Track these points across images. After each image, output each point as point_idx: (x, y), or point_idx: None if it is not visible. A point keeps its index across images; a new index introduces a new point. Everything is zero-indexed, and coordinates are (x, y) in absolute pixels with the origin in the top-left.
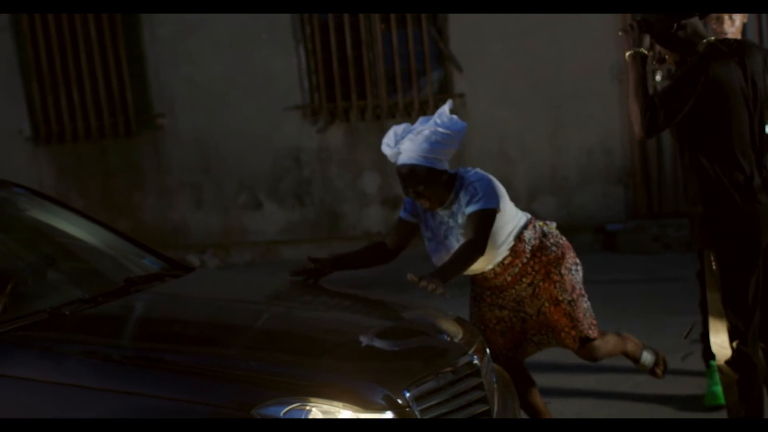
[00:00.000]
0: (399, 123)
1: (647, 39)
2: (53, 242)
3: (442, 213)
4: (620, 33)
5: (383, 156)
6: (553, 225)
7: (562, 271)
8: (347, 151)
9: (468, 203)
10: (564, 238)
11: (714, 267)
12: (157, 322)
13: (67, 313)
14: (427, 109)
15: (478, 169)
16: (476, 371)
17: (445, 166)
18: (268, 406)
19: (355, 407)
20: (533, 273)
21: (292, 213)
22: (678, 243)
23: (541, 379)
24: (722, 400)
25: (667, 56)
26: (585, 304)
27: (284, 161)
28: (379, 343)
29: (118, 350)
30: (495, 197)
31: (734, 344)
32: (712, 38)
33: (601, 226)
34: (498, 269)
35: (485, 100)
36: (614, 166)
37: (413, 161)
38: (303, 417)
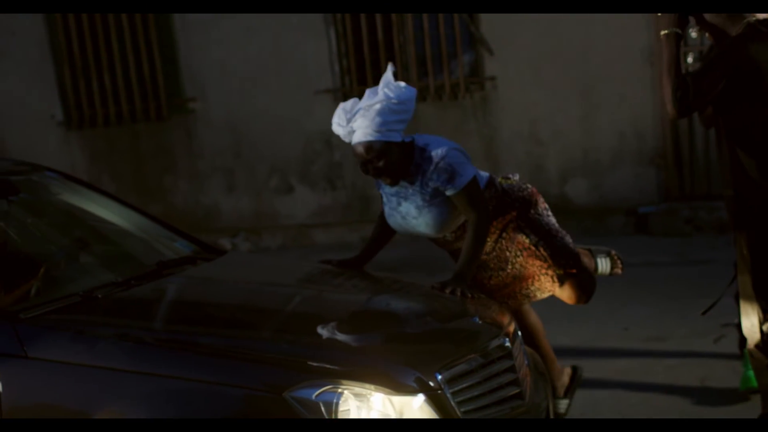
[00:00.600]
0: (429, 106)
1: (681, 19)
2: (86, 226)
3: (401, 187)
4: (658, 14)
5: None
6: (516, 177)
7: (529, 216)
8: None
9: (447, 183)
10: (529, 187)
11: (744, 251)
12: (189, 305)
13: (99, 296)
14: (458, 92)
15: (434, 138)
16: (508, 354)
17: (401, 137)
18: (301, 389)
19: (387, 390)
20: (496, 232)
21: (323, 196)
22: (710, 225)
23: (572, 362)
24: (755, 383)
25: (708, 36)
26: (559, 242)
27: (315, 145)
28: (410, 326)
29: (151, 333)
30: (467, 165)
31: (764, 327)
32: (753, 19)
33: (633, 208)
34: (458, 232)
35: (516, 82)
36: (646, 148)
37: (369, 137)
38: (335, 399)
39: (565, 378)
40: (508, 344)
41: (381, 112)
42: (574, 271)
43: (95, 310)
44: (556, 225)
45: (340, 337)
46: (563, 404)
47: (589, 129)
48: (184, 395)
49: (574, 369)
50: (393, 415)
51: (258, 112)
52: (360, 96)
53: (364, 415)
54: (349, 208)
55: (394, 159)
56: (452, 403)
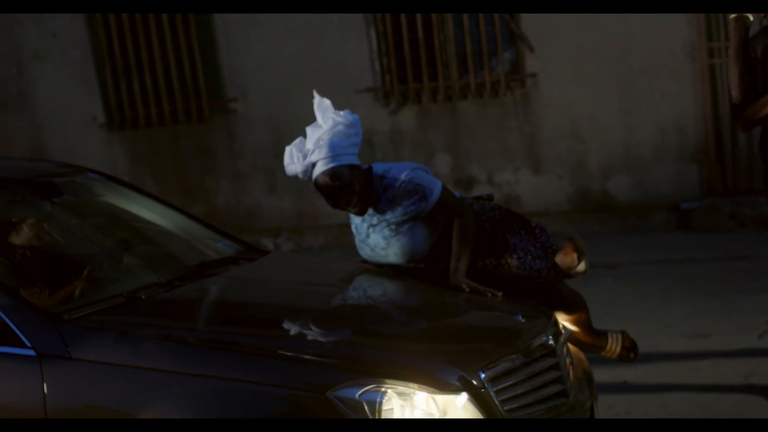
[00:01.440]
0: (470, 104)
1: None
2: (129, 227)
3: (368, 217)
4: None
5: (455, 137)
6: (489, 195)
7: (497, 241)
8: (419, 132)
9: (421, 202)
10: (502, 209)
11: None
12: (232, 306)
13: (143, 297)
14: (499, 89)
15: (391, 165)
16: (552, 351)
17: (357, 160)
18: (344, 388)
19: (430, 388)
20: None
21: None
22: (753, 221)
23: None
24: None
25: None
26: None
27: None
28: (453, 324)
29: (194, 333)
30: (433, 179)
31: None
32: None
33: (676, 204)
34: (429, 261)
35: (557, 79)
36: (688, 143)
37: (332, 164)
38: (378, 399)
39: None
40: (551, 342)
41: (336, 138)
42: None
43: (139, 311)
44: (548, 243)
45: (383, 336)
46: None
47: (631, 125)
48: (228, 395)
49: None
50: (436, 415)
51: (299, 112)
52: (399, 95)
53: (407, 415)
54: None
55: (359, 183)
56: (496, 401)
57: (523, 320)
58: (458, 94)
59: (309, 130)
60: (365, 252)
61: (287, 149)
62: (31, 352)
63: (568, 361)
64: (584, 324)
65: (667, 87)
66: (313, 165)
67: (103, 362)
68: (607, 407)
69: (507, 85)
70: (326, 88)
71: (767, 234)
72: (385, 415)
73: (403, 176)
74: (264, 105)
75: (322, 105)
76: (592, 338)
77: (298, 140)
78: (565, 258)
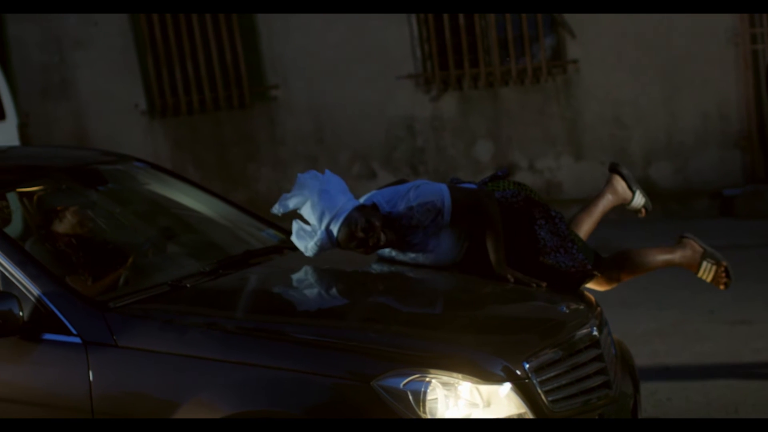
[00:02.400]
0: (511, 91)
1: None
2: (173, 215)
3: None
4: None
5: (496, 123)
6: (504, 172)
7: (524, 230)
8: (460, 119)
9: (437, 216)
10: (522, 194)
11: None
12: (276, 295)
13: (188, 285)
14: (540, 75)
15: (385, 195)
16: (596, 343)
17: (352, 197)
18: (389, 378)
19: (475, 379)
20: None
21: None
22: None
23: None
24: None
25: None
26: (551, 260)
27: (398, 130)
28: (497, 315)
29: (239, 322)
30: (433, 188)
31: None
32: None
33: (718, 191)
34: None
35: (599, 65)
36: (731, 130)
37: (341, 217)
38: (423, 388)
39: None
40: (595, 333)
41: (325, 198)
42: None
43: (184, 300)
44: (552, 240)
45: (427, 326)
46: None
47: (673, 111)
48: (273, 384)
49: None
50: (480, 405)
51: (340, 99)
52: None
53: (451, 405)
54: None
55: (377, 217)
56: (539, 392)
57: (567, 311)
58: (499, 80)
59: (304, 212)
60: (439, 251)
61: (296, 236)
62: (77, 340)
63: (612, 352)
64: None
65: (710, 73)
66: (329, 232)
67: (148, 350)
68: (649, 394)
69: (548, 72)
70: (367, 74)
71: None
72: (429, 405)
73: (408, 203)
74: (305, 92)
75: (295, 188)
76: (662, 258)
77: (296, 227)
78: (617, 191)
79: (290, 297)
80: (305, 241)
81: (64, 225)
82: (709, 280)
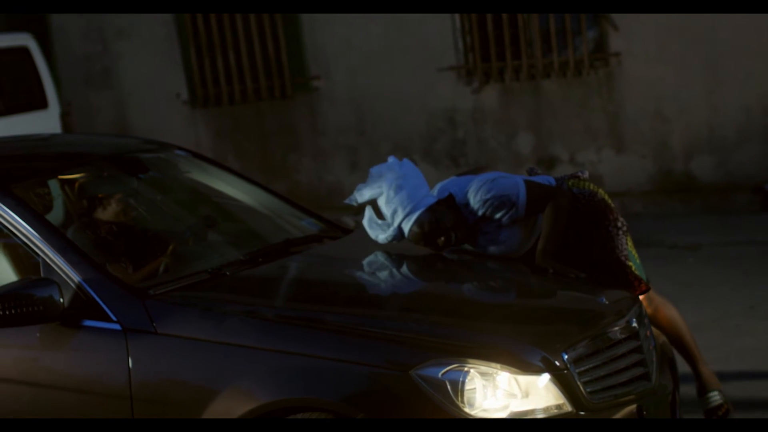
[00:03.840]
0: (553, 83)
1: None
2: (213, 204)
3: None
4: None
5: (538, 116)
6: (585, 174)
7: (600, 232)
8: (502, 111)
9: (511, 210)
10: (599, 194)
11: None
12: (315, 283)
13: (227, 273)
14: (582, 68)
15: (465, 187)
16: (635, 334)
17: (434, 197)
18: (427, 367)
19: (513, 369)
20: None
21: (446, 174)
22: None
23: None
24: None
25: None
26: (617, 267)
27: (439, 122)
28: (536, 305)
29: (277, 310)
30: (508, 182)
31: None
32: None
33: (760, 185)
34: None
35: (641, 58)
36: None
37: (412, 216)
38: (461, 378)
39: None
40: (635, 324)
41: (399, 193)
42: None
43: (223, 287)
44: (625, 248)
45: (466, 315)
46: (715, 396)
47: (715, 105)
48: (311, 372)
49: None
50: (518, 395)
51: (381, 90)
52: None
53: (489, 395)
54: None
55: (448, 218)
56: (578, 383)
57: (606, 302)
58: (541, 72)
59: (379, 203)
60: (513, 242)
61: (368, 225)
62: (117, 327)
63: (651, 344)
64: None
65: (753, 66)
66: (401, 229)
67: (187, 337)
68: (688, 390)
69: (590, 64)
70: (409, 66)
71: None
72: (467, 395)
73: (483, 196)
74: (346, 83)
75: (371, 179)
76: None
77: (367, 215)
78: None
79: (329, 285)
80: (376, 232)
81: (105, 212)
82: (709, 407)
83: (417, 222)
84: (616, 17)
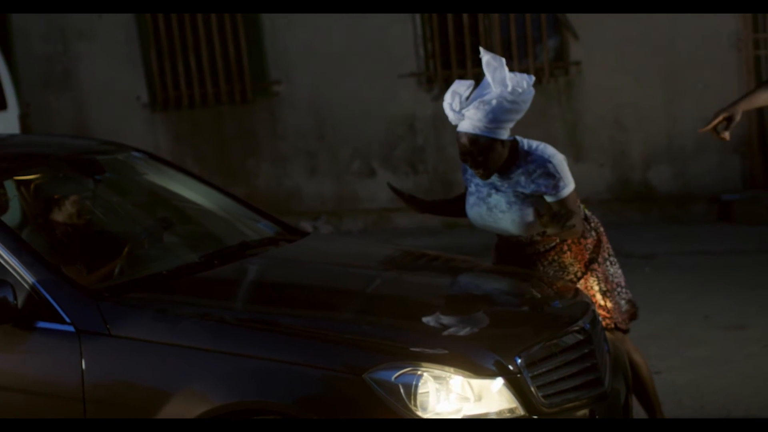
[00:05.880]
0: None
1: None
2: (170, 206)
3: (494, 180)
4: None
5: None
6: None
7: (599, 260)
8: None
9: (552, 189)
10: (601, 225)
11: None
12: (271, 286)
13: (182, 275)
14: (542, 76)
15: (540, 143)
16: (588, 339)
17: (507, 135)
18: (380, 370)
19: (467, 372)
20: (568, 252)
21: (405, 181)
22: None
23: (651, 348)
24: None
25: None
26: (618, 298)
27: (398, 129)
28: (490, 309)
29: (233, 313)
30: (569, 176)
31: None
32: None
33: (717, 196)
34: (538, 237)
35: (601, 67)
36: (731, 135)
37: (477, 131)
38: (414, 382)
39: None
40: (588, 328)
41: (495, 109)
42: (626, 329)
43: (178, 290)
44: (620, 277)
45: (420, 319)
46: None
47: (674, 115)
48: (265, 375)
49: None
50: (471, 399)
51: (342, 96)
52: (442, 81)
53: (443, 398)
54: (431, 192)
55: (495, 156)
56: (531, 387)
57: (560, 306)
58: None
59: (483, 83)
60: (479, 211)
61: (452, 89)
62: (71, 328)
63: (604, 348)
64: None
65: (712, 78)
66: (462, 119)
67: (141, 339)
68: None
69: (551, 73)
70: (370, 72)
71: None
72: (420, 399)
73: (548, 157)
74: (307, 88)
75: (491, 64)
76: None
77: (466, 84)
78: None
79: (284, 288)
80: (451, 99)
81: (61, 214)
82: None
83: (472, 137)
84: (577, 27)
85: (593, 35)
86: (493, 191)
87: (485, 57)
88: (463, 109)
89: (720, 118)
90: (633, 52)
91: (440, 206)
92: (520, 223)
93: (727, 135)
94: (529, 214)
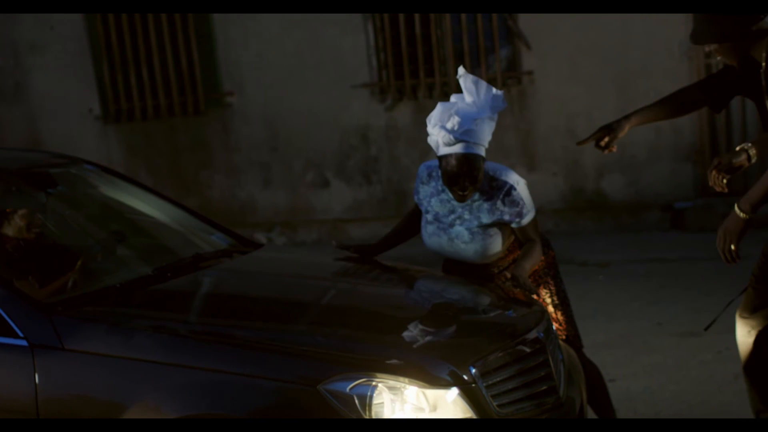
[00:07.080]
0: None
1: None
2: (123, 218)
3: (457, 204)
4: None
5: None
6: None
7: (551, 274)
8: (415, 129)
9: (516, 216)
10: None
11: None
12: (224, 298)
13: (136, 288)
14: (495, 86)
15: (504, 169)
16: (542, 348)
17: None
18: (335, 381)
19: (421, 383)
20: (539, 272)
21: (359, 191)
22: None
23: (605, 356)
24: None
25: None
26: (569, 313)
27: (352, 139)
28: (444, 319)
29: (186, 325)
30: (531, 202)
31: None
32: None
33: (669, 203)
34: (491, 260)
35: (553, 77)
36: (683, 143)
37: (471, 150)
38: (369, 393)
39: None
40: (542, 338)
41: (485, 126)
42: (580, 346)
43: (132, 303)
44: (566, 294)
45: (374, 330)
46: None
47: None
48: (219, 388)
49: None
50: (426, 409)
51: (295, 107)
52: (395, 91)
53: (397, 409)
54: (385, 202)
55: (482, 174)
56: (486, 397)
57: (514, 315)
58: (455, 90)
59: (469, 101)
60: (438, 241)
61: (443, 109)
62: (24, 343)
63: (558, 357)
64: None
65: (664, 86)
66: (457, 141)
67: (95, 353)
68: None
69: (503, 83)
70: (323, 83)
71: (761, 234)
72: (375, 409)
73: (513, 183)
74: (260, 99)
75: (477, 84)
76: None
77: (455, 104)
78: None
79: (238, 300)
80: (449, 122)
81: (12, 228)
82: None
83: (472, 157)
84: (530, 36)
85: (545, 45)
86: (456, 221)
87: (464, 75)
88: (449, 134)
89: (601, 134)
90: (585, 62)
91: (390, 241)
92: (483, 254)
93: (613, 148)
94: (492, 246)
